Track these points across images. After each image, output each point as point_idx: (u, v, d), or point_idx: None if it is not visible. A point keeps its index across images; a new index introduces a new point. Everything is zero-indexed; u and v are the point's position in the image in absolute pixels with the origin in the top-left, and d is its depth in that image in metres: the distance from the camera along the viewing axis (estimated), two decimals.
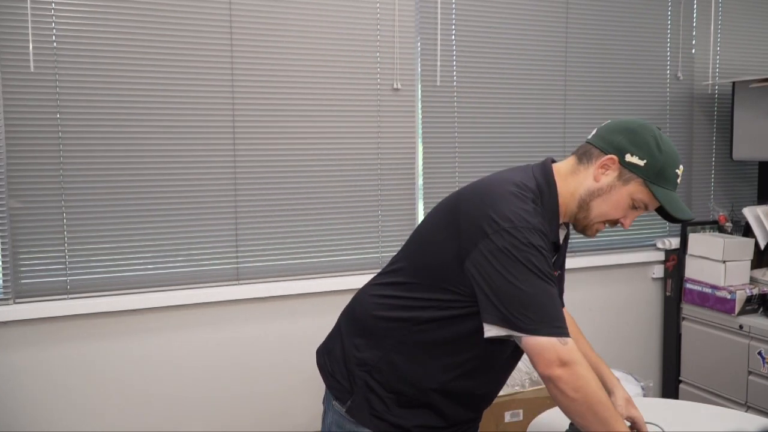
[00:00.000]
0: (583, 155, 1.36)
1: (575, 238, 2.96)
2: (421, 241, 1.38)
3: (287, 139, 2.42)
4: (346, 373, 1.43)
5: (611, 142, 1.32)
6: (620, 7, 2.98)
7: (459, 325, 1.31)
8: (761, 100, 2.90)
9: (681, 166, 1.32)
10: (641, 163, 1.28)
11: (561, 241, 1.41)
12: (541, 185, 1.34)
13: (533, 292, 1.21)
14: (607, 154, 1.31)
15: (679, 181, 1.32)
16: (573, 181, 1.35)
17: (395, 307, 1.37)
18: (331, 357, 1.48)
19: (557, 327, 1.21)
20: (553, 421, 1.71)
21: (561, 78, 2.89)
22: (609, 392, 1.44)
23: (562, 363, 1.20)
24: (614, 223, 1.35)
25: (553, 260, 1.32)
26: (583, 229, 1.37)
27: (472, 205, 1.29)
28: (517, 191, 1.29)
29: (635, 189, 1.29)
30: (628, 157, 1.29)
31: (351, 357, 1.42)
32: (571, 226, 1.45)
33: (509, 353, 1.34)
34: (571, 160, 1.38)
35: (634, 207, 1.31)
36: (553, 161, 1.41)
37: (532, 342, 1.21)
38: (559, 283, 1.51)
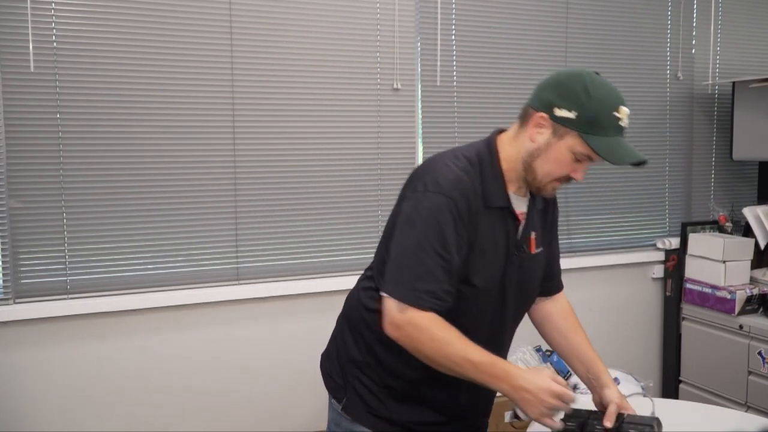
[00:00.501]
0: (522, 117, 1.34)
1: (576, 239, 2.96)
2: (386, 228, 1.40)
3: (287, 139, 2.42)
4: (339, 371, 1.45)
5: (541, 99, 1.29)
6: (620, 7, 2.98)
7: None
8: (761, 100, 2.90)
9: (622, 107, 1.24)
10: (572, 115, 1.23)
11: (525, 210, 1.38)
12: (482, 153, 1.34)
13: (400, 252, 1.26)
14: (538, 112, 1.28)
15: (623, 123, 1.25)
16: (516, 144, 1.34)
17: (371, 298, 1.39)
18: (329, 357, 1.50)
19: (407, 291, 1.23)
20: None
21: None
22: (602, 386, 1.42)
23: (396, 326, 1.24)
24: (566, 179, 1.31)
25: (519, 227, 1.35)
26: (538, 191, 1.34)
27: (408, 180, 1.36)
28: (450, 161, 1.31)
29: (572, 142, 1.25)
30: (558, 111, 1.25)
31: (342, 354, 1.45)
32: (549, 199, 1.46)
33: (484, 338, 1.31)
34: (515, 125, 1.37)
35: (577, 160, 1.27)
36: (503, 131, 1.40)
37: (383, 298, 1.26)
38: (548, 260, 1.50)
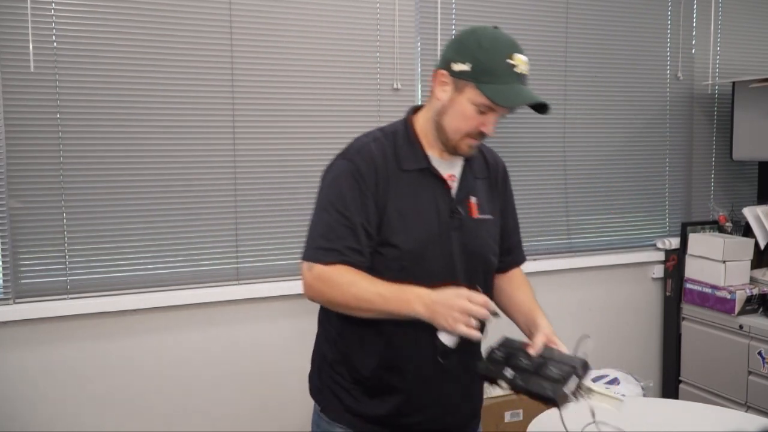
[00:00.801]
0: (432, 81, 1.37)
1: (576, 239, 2.96)
2: None
3: (287, 139, 2.42)
4: (317, 372, 1.48)
5: (442, 58, 1.34)
6: (620, 7, 2.98)
7: None
8: (761, 100, 2.90)
9: (516, 55, 1.27)
10: (467, 67, 1.27)
11: (456, 174, 1.40)
12: (397, 125, 1.41)
13: (312, 221, 1.35)
14: (440, 71, 1.33)
15: (519, 70, 1.28)
16: (428, 109, 1.38)
17: None
18: (311, 360, 1.53)
19: (312, 251, 1.31)
20: (553, 421, 1.71)
21: (561, 78, 2.89)
22: (536, 325, 1.39)
23: (308, 287, 1.31)
24: (478, 135, 1.33)
25: (452, 191, 1.37)
26: (453, 150, 1.36)
27: None
28: (363, 136, 1.40)
29: (471, 94, 1.28)
30: (454, 66, 1.29)
31: (317, 355, 1.49)
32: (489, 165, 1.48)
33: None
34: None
35: (480, 112, 1.30)
36: (421, 107, 1.44)
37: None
38: (503, 234, 1.50)
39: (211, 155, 2.32)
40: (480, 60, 1.27)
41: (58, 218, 2.14)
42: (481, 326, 1.22)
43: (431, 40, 2.62)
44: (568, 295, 2.98)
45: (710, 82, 3.19)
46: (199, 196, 2.32)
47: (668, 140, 3.15)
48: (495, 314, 1.23)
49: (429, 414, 1.41)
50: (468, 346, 1.27)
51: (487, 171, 1.47)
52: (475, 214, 1.40)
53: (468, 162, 1.42)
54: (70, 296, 2.17)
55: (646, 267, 3.13)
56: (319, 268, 1.29)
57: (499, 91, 1.26)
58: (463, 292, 1.20)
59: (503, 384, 1.26)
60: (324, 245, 1.29)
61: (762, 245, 2.89)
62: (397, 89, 2.56)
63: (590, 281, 3.01)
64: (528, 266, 2.78)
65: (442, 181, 1.37)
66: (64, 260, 2.16)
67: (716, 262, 2.84)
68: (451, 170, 1.40)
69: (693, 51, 3.16)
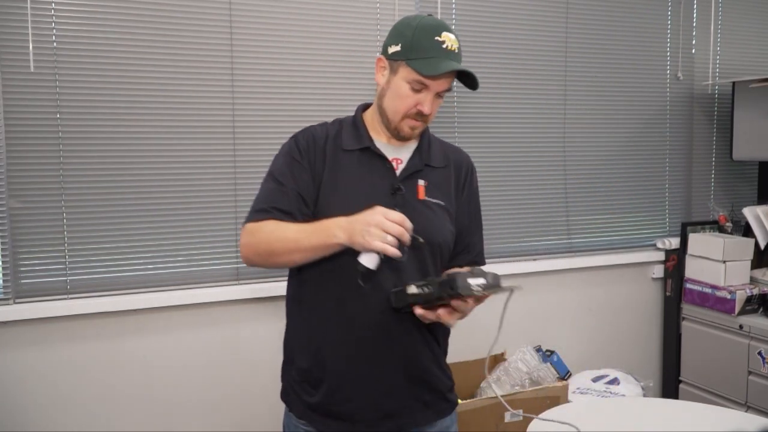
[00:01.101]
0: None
1: (576, 239, 2.96)
2: None
3: (287, 138, 2.41)
4: (282, 374, 1.55)
5: (382, 45, 1.42)
6: (620, 7, 2.98)
7: (297, 280, 1.46)
8: (761, 100, 2.90)
9: (445, 33, 1.34)
10: (398, 48, 1.35)
11: (403, 159, 1.45)
12: (348, 116, 1.50)
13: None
14: (378, 57, 1.41)
15: (448, 46, 1.34)
16: (376, 97, 1.45)
17: (289, 286, 1.52)
18: None
19: (249, 215, 1.38)
20: (553, 421, 1.71)
21: (561, 78, 2.89)
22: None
23: (241, 246, 1.38)
24: (416, 115, 1.38)
25: (396, 172, 1.42)
26: (396, 133, 1.42)
27: None
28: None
29: (404, 73, 1.35)
30: (389, 50, 1.38)
31: (283, 356, 1.54)
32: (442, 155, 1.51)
33: (391, 284, 1.34)
34: None
35: (414, 90, 1.35)
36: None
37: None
38: (462, 230, 1.50)
39: (211, 155, 2.32)
40: (409, 38, 1.34)
41: (58, 218, 2.14)
42: (401, 248, 1.21)
43: None
44: (568, 295, 2.98)
45: (710, 82, 3.19)
46: (199, 196, 2.31)
47: (668, 140, 3.15)
48: (416, 238, 1.24)
49: (364, 399, 1.40)
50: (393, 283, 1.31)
51: (446, 162, 1.50)
52: (422, 196, 1.42)
53: (419, 149, 1.46)
54: (70, 296, 2.17)
55: (646, 267, 3.13)
56: (250, 225, 1.36)
57: (426, 63, 1.32)
58: (379, 209, 1.22)
59: (413, 299, 1.27)
60: (257, 207, 1.38)
61: (762, 245, 2.89)
62: None
63: (590, 281, 3.01)
64: (528, 266, 2.84)
65: (384, 160, 1.42)
66: (64, 260, 2.16)
67: (716, 262, 2.84)
68: (398, 155, 1.45)
69: (693, 51, 3.16)
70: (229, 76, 2.32)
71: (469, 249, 1.53)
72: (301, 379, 1.45)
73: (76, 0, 2.12)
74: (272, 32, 2.37)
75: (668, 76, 3.12)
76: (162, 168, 2.26)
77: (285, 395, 1.52)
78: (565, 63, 2.89)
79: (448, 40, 1.34)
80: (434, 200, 1.43)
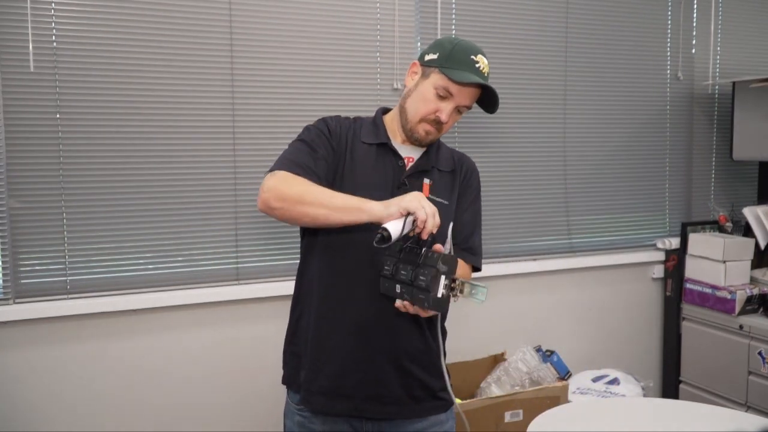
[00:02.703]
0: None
1: (576, 239, 2.96)
2: None
3: (287, 138, 2.38)
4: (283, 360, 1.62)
5: (420, 53, 1.53)
6: (620, 7, 2.98)
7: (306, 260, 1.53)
8: (761, 100, 2.90)
9: (480, 56, 1.45)
10: (435, 56, 1.46)
11: (415, 157, 1.51)
12: (369, 115, 1.59)
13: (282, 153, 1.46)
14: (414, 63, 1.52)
15: (480, 67, 1.44)
16: (401, 98, 1.54)
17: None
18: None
19: (278, 164, 1.41)
20: (553, 421, 1.71)
21: (561, 78, 2.89)
22: None
23: (262, 191, 1.35)
24: (434, 121, 1.45)
25: (406, 168, 1.48)
26: (411, 134, 1.49)
27: None
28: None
29: (435, 78, 1.44)
30: (426, 57, 1.49)
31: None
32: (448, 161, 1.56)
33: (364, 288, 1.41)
34: None
35: (439, 96, 1.44)
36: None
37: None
38: (461, 229, 1.55)
39: (211, 155, 2.32)
40: (448, 50, 1.45)
41: (58, 218, 2.14)
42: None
43: (431, 41, 2.61)
44: (568, 295, 2.98)
45: (710, 82, 3.19)
46: (199, 196, 2.32)
47: (668, 140, 3.15)
48: (430, 241, 1.27)
49: (353, 377, 1.45)
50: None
51: (453, 167, 1.57)
52: (426, 194, 1.47)
53: (429, 152, 1.53)
54: (70, 296, 2.17)
55: (646, 267, 3.13)
56: (282, 173, 1.36)
57: (458, 73, 1.42)
58: (417, 193, 1.28)
59: (398, 302, 1.31)
60: (289, 160, 1.40)
61: (762, 245, 2.89)
62: (397, 89, 2.55)
63: (590, 281, 3.01)
64: (528, 266, 2.84)
65: (398, 157, 1.49)
66: (64, 260, 2.16)
67: (716, 262, 2.84)
68: (410, 154, 1.52)
69: (693, 51, 3.16)
70: (229, 76, 2.32)
71: (466, 249, 1.56)
72: (295, 352, 1.53)
73: (76, 0, 2.12)
74: (272, 32, 2.37)
75: (668, 76, 3.12)
76: (162, 168, 2.26)
77: (284, 378, 1.60)
78: (565, 63, 2.89)
79: (482, 62, 1.45)
80: (438, 199, 1.48)
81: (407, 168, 1.49)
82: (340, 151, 1.47)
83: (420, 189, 1.47)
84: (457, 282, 1.25)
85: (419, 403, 1.49)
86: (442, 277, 1.22)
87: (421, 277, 1.22)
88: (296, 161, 1.40)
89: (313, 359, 1.47)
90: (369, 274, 1.38)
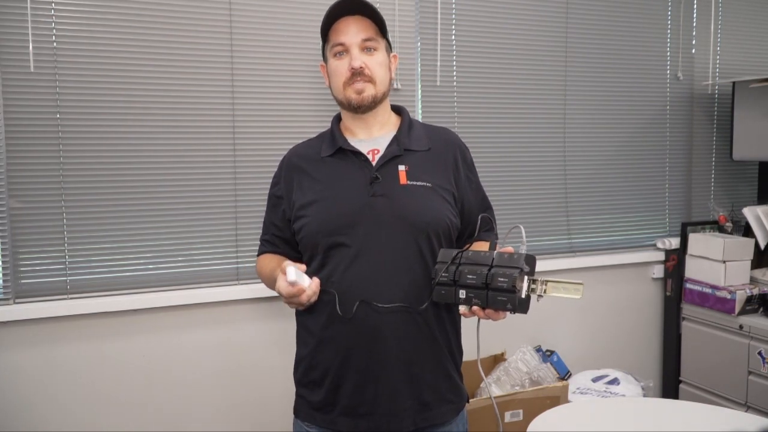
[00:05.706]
0: None
1: (576, 239, 2.96)
2: None
3: (287, 139, 2.41)
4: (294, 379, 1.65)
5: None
6: (620, 7, 2.98)
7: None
8: (761, 100, 2.90)
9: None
10: (322, 42, 1.52)
11: (380, 149, 1.48)
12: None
13: None
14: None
15: (339, 2, 1.45)
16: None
17: None
18: None
19: (260, 238, 1.61)
20: (553, 421, 1.71)
21: (561, 78, 2.89)
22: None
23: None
24: (352, 77, 1.44)
25: (375, 161, 1.45)
26: (350, 105, 1.48)
27: None
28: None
29: (326, 53, 1.51)
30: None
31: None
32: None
33: (380, 264, 1.40)
34: None
35: (339, 56, 1.46)
36: None
37: None
38: (464, 209, 1.51)
39: (211, 155, 2.32)
40: (321, 28, 1.48)
41: (58, 218, 2.14)
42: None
43: (431, 40, 2.62)
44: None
45: (710, 82, 3.19)
46: (199, 197, 2.32)
47: (668, 140, 3.15)
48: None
49: (364, 396, 1.42)
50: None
51: (429, 145, 1.50)
52: (404, 181, 1.43)
53: (398, 136, 1.48)
54: (70, 296, 2.17)
55: (646, 267, 3.13)
56: (258, 259, 1.62)
57: (326, 23, 1.46)
58: (277, 285, 1.36)
59: (463, 307, 1.28)
60: (263, 234, 1.62)
61: (762, 245, 2.89)
62: (396, 89, 2.55)
63: (590, 281, 3.01)
64: None
65: (358, 155, 1.45)
66: (64, 260, 2.16)
67: (716, 262, 2.84)
68: (375, 146, 1.48)
69: (693, 51, 3.16)
70: (229, 77, 2.32)
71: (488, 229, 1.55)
72: (306, 379, 1.53)
73: (76, 0, 2.12)
74: (272, 32, 2.37)
75: (668, 76, 3.12)
76: (162, 168, 2.26)
77: (295, 406, 1.60)
78: (565, 63, 2.89)
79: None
80: (419, 183, 1.44)
81: (374, 161, 1.45)
82: (290, 191, 1.51)
83: (396, 178, 1.42)
84: (538, 281, 1.22)
85: (431, 409, 1.45)
86: (526, 277, 1.21)
87: (501, 279, 1.20)
88: (265, 234, 1.60)
89: (330, 381, 1.46)
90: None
